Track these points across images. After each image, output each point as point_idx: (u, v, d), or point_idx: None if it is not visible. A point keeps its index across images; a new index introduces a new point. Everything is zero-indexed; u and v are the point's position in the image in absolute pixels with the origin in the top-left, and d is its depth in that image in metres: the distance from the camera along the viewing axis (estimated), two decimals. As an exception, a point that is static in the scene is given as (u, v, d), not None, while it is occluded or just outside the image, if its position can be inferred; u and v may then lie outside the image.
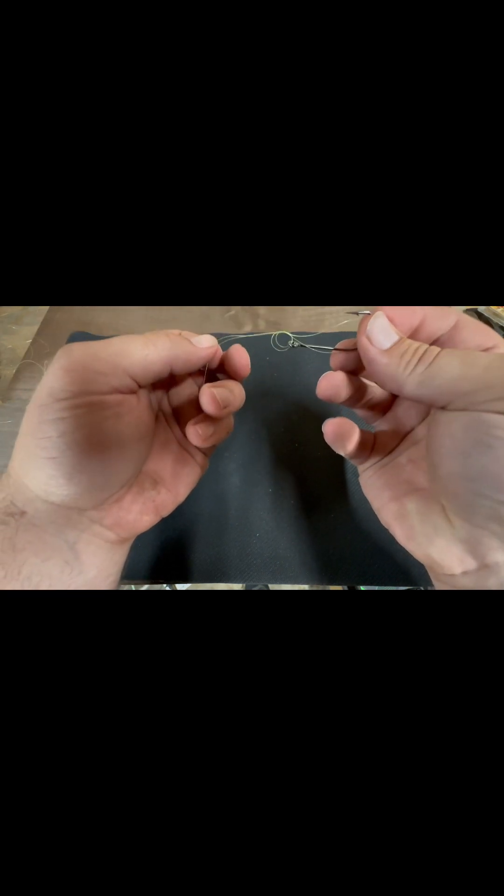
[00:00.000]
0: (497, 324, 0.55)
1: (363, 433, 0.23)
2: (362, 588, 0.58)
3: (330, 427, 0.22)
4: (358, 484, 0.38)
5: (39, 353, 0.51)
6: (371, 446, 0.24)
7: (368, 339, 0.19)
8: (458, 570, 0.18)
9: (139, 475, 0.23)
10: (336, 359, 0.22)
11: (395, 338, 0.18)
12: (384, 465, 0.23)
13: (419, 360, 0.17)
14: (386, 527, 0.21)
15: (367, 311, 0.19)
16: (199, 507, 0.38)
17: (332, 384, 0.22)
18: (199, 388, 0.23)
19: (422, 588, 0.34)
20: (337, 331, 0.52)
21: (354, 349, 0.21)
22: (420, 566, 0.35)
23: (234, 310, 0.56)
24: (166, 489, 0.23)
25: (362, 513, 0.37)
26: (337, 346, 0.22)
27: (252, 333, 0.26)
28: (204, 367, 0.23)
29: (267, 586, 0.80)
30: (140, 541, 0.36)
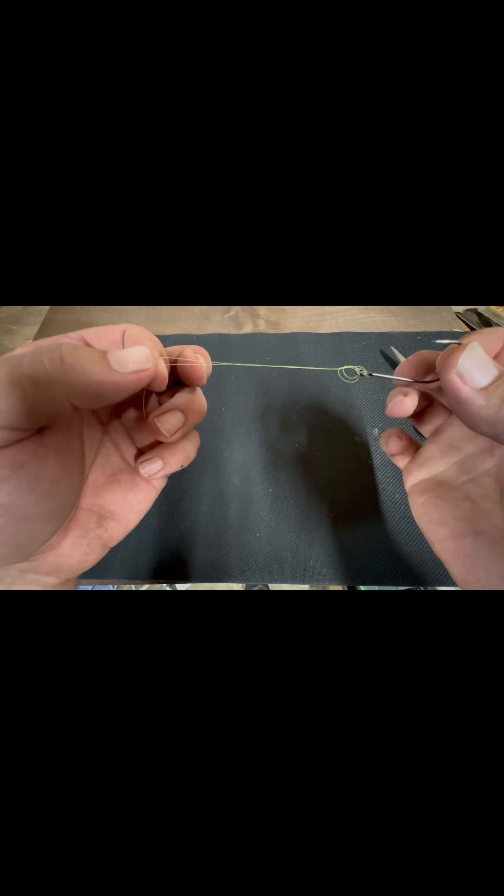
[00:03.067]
0: (497, 324, 0.55)
1: (406, 435, 0.22)
2: (362, 588, 0.58)
3: (393, 441, 0.22)
4: (357, 484, 0.39)
5: (39, 353, 0.51)
6: (412, 450, 0.22)
7: (460, 376, 0.15)
8: None
9: (79, 514, 0.19)
10: (397, 403, 0.20)
11: (494, 373, 0.15)
12: (438, 495, 0.20)
13: None
14: (440, 559, 0.20)
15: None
16: (199, 507, 0.38)
17: (403, 409, 0.20)
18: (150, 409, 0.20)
19: (422, 588, 0.34)
20: (362, 331, 0.52)
21: (432, 381, 0.19)
22: (420, 566, 0.35)
23: (234, 310, 0.56)
24: (115, 521, 0.20)
25: (362, 513, 0.37)
26: (415, 379, 0.20)
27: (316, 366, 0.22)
28: (142, 391, 0.19)
29: (267, 586, 0.80)
30: (140, 541, 0.37)
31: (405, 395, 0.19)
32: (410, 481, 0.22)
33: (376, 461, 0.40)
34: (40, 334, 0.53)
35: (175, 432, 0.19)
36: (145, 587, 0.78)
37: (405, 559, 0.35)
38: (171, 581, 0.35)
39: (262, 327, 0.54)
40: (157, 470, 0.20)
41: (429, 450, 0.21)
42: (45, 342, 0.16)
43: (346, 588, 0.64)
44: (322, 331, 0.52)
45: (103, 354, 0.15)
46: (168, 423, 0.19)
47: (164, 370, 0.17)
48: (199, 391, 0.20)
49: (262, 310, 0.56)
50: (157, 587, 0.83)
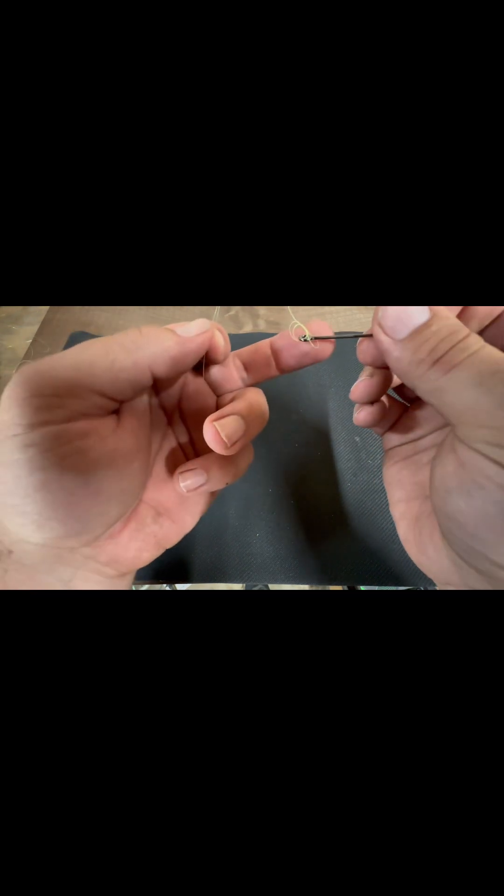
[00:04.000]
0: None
1: (391, 401, 0.20)
2: (362, 588, 0.58)
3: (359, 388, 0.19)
4: (357, 484, 0.39)
5: (39, 353, 0.51)
6: (396, 419, 0.20)
7: (382, 327, 0.15)
8: (441, 585, 0.17)
9: (139, 506, 0.19)
10: (362, 350, 0.18)
11: (418, 322, 0.15)
12: (408, 458, 0.20)
13: (437, 360, 0.14)
14: (394, 521, 0.20)
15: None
16: (199, 507, 0.38)
17: (368, 391, 0.18)
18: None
19: (422, 588, 0.34)
20: (363, 330, 0.52)
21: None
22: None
23: (234, 310, 0.56)
24: (171, 521, 0.20)
25: (362, 513, 0.37)
26: (367, 332, 0.17)
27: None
28: (200, 361, 0.18)
29: (267, 586, 0.80)
30: (140, 541, 0.37)
31: (370, 375, 0.18)
32: (388, 444, 0.21)
33: (376, 461, 0.40)
34: (40, 334, 0.53)
35: (235, 442, 0.17)
36: (145, 587, 0.78)
37: (405, 559, 0.35)
38: (171, 581, 0.35)
39: (263, 327, 0.54)
40: (198, 485, 0.18)
41: (412, 415, 0.20)
42: None
43: (346, 588, 0.64)
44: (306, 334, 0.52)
45: (172, 329, 0.17)
46: (228, 427, 0.17)
47: (220, 339, 0.18)
48: (261, 393, 0.19)
49: (262, 310, 0.56)
50: (157, 587, 0.83)
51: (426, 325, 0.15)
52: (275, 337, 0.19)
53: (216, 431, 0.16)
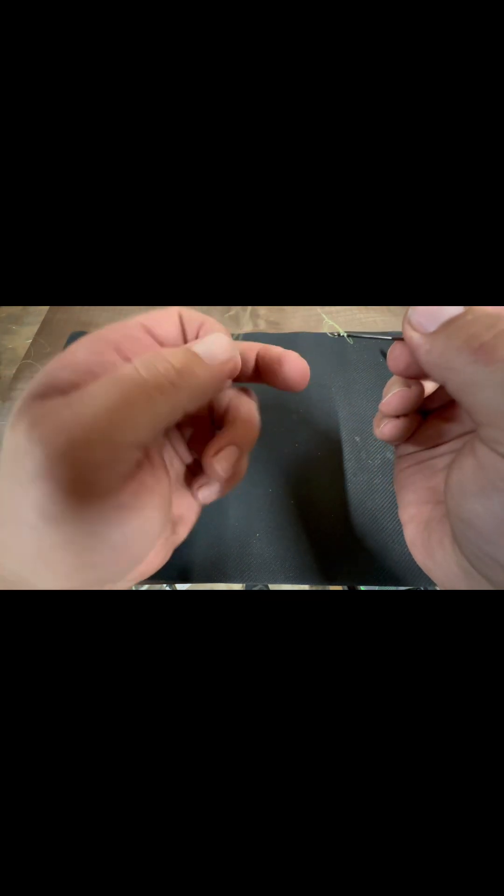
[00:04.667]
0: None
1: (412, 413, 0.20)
2: (362, 588, 0.58)
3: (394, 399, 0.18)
4: (357, 484, 0.39)
5: (39, 353, 0.51)
6: (414, 429, 0.20)
7: (410, 323, 0.15)
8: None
9: None
10: (394, 356, 0.17)
11: (449, 315, 0.14)
12: (422, 462, 0.20)
13: (478, 348, 0.13)
14: (402, 523, 0.20)
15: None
16: (199, 507, 0.38)
17: (403, 403, 0.17)
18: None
19: (422, 588, 0.34)
20: (363, 330, 0.52)
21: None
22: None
23: (234, 310, 0.56)
24: (184, 525, 0.20)
25: (362, 513, 0.37)
26: (398, 337, 0.17)
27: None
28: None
29: (267, 586, 0.80)
30: (140, 541, 0.36)
31: (406, 386, 0.18)
32: (402, 450, 0.21)
33: (376, 461, 0.40)
34: (40, 334, 0.53)
35: (229, 469, 0.17)
36: (145, 587, 0.78)
37: (405, 559, 0.35)
38: (171, 581, 0.35)
39: (263, 327, 0.54)
40: (214, 495, 0.19)
41: (432, 425, 0.20)
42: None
43: (346, 588, 0.64)
44: (322, 331, 0.52)
45: (193, 352, 0.15)
46: (226, 462, 0.17)
47: (238, 357, 0.17)
48: (253, 405, 0.19)
49: (262, 310, 0.56)
50: (156, 587, 0.84)
51: (461, 315, 0.14)
52: (280, 350, 0.19)
53: (216, 471, 0.17)
